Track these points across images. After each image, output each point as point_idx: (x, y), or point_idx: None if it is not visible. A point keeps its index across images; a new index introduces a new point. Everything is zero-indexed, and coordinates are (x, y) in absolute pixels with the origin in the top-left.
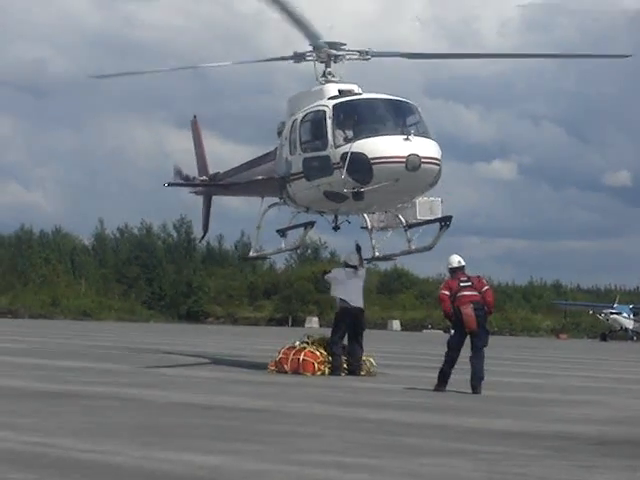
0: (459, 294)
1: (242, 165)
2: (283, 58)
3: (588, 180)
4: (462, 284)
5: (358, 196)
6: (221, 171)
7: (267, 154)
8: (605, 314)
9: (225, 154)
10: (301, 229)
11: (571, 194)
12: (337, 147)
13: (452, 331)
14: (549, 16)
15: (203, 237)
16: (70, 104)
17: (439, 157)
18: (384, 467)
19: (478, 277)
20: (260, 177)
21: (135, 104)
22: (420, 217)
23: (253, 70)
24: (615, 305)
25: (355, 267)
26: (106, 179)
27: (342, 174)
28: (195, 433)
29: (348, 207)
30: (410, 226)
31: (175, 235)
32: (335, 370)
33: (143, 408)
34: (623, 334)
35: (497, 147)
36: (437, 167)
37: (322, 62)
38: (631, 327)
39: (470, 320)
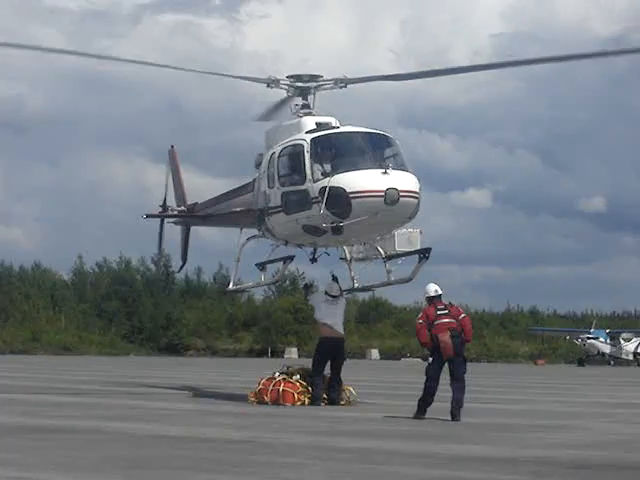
0: (436, 322)
1: (220, 196)
2: (257, 80)
3: (562, 206)
4: (439, 312)
5: (337, 230)
6: (199, 201)
7: (245, 185)
8: (582, 339)
9: (202, 187)
10: (280, 263)
11: (546, 220)
12: (315, 181)
13: (430, 359)
14: (520, 45)
15: (182, 267)
16: (48, 140)
17: (417, 190)
18: None
19: (455, 306)
20: (239, 209)
21: (112, 139)
22: (399, 248)
23: (229, 103)
24: (592, 330)
25: (336, 297)
26: (84, 214)
27: (321, 209)
28: (175, 465)
29: (327, 240)
30: (389, 257)
31: (153, 268)
32: (315, 400)
33: (124, 441)
34: (600, 359)
35: (471, 175)
36: (415, 200)
37: (298, 95)
38: (608, 351)
39: (447, 347)
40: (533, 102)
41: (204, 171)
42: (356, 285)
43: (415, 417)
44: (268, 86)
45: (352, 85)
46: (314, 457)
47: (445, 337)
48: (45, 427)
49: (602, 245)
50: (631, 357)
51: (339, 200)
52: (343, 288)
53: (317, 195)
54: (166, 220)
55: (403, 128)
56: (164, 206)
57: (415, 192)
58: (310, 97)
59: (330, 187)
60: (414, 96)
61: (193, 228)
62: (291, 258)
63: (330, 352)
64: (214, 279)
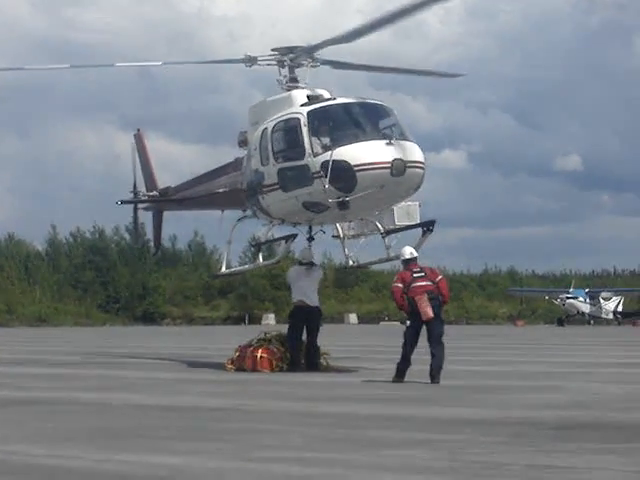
0: (413, 285)
1: (196, 178)
2: (231, 61)
3: (539, 166)
4: (415, 275)
5: (343, 205)
6: (172, 185)
7: (225, 166)
8: (561, 299)
9: (173, 154)
10: (281, 242)
11: (522, 180)
12: (315, 156)
13: (408, 322)
14: (491, 2)
15: (156, 252)
16: (17, 109)
17: (423, 160)
18: (345, 461)
19: (431, 268)
20: (221, 189)
21: (81, 107)
22: (398, 222)
23: (199, 70)
24: (571, 290)
25: (310, 264)
26: (57, 184)
27: (324, 183)
28: (154, 434)
29: (328, 217)
30: (388, 232)
31: (128, 238)
32: (293, 365)
33: (101, 411)
34: (580, 318)
35: (446, 137)
36: (422, 170)
37: (283, 67)
38: (587, 311)
39: (425, 310)
40: (505, 61)
41: (174, 138)
42: (351, 263)
43: (394, 381)
44: (247, 66)
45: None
46: (292, 423)
47: (422, 299)
48: (21, 399)
49: (579, 204)
50: (611, 316)
51: (344, 174)
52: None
53: (319, 170)
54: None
55: (374, 90)
56: (134, 191)
57: (421, 162)
58: (298, 70)
59: (333, 161)
60: (384, 57)
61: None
62: (294, 236)
63: (303, 320)
64: (189, 247)
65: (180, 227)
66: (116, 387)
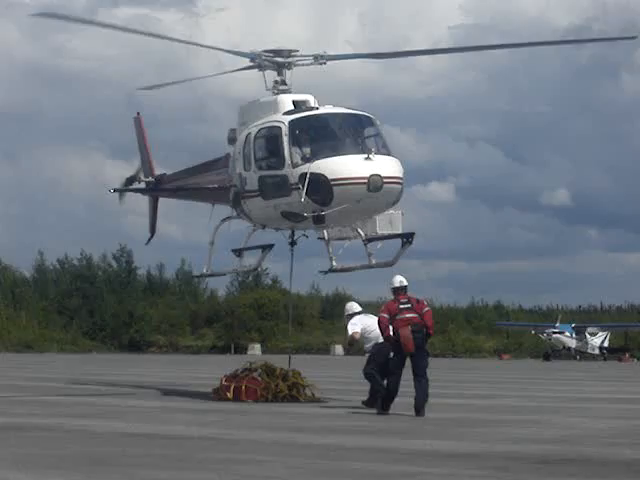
0: (398, 316)
1: (190, 169)
2: (237, 53)
3: (526, 200)
4: (401, 306)
5: (318, 219)
6: (168, 172)
7: (217, 160)
8: (547, 334)
9: None
10: (259, 250)
11: (510, 214)
12: (295, 166)
13: (391, 354)
14: (480, 37)
15: (150, 239)
16: (4, 135)
17: (401, 175)
18: None
19: (418, 299)
20: (212, 185)
21: (69, 134)
22: (380, 231)
23: (187, 99)
24: (557, 324)
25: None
26: (44, 210)
27: (301, 196)
28: (138, 462)
29: (306, 226)
30: (370, 240)
31: (115, 265)
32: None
33: (86, 438)
34: (566, 353)
35: (433, 169)
36: (399, 186)
37: (274, 70)
38: (574, 346)
39: (407, 342)
40: (494, 95)
41: (163, 165)
42: (334, 265)
43: (379, 413)
44: (251, 60)
45: (314, 77)
46: (276, 453)
47: (405, 332)
48: (6, 425)
49: (567, 239)
50: (597, 351)
51: (320, 187)
52: (322, 269)
53: (297, 181)
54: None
55: None
56: (134, 177)
57: (399, 177)
58: (287, 73)
59: (311, 173)
60: (373, 89)
61: (157, 226)
62: (270, 246)
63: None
64: (177, 276)
65: (168, 256)
66: (101, 414)
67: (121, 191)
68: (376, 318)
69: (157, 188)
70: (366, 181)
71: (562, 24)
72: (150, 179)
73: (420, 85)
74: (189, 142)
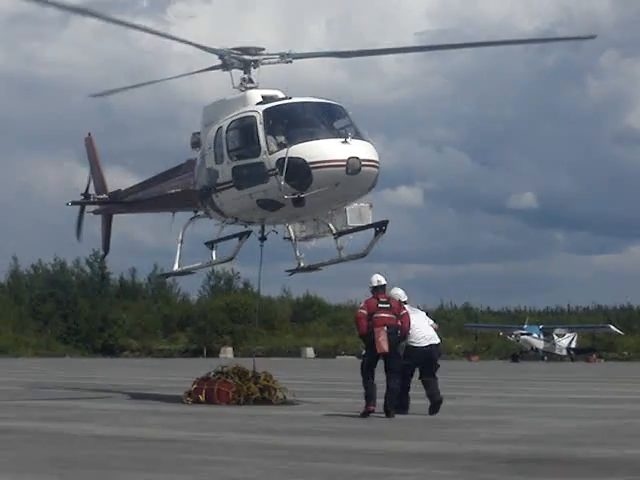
0: (375, 315)
1: (147, 181)
2: (206, 49)
3: (493, 203)
4: (380, 305)
5: (298, 202)
6: (122, 189)
7: (176, 168)
8: (515, 335)
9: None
10: (234, 240)
11: (477, 217)
12: (271, 153)
13: (363, 352)
14: (446, 42)
15: (104, 257)
16: None
17: (378, 159)
18: None
19: (399, 302)
20: (173, 191)
21: (41, 141)
22: (350, 224)
23: (158, 104)
24: (525, 326)
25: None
26: (18, 217)
27: (279, 180)
28: (111, 465)
29: (282, 215)
30: (340, 234)
31: (88, 270)
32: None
33: (59, 441)
34: (534, 354)
35: (401, 174)
36: (376, 170)
37: (240, 68)
38: (541, 347)
39: (381, 343)
40: (460, 100)
41: (134, 172)
42: (302, 265)
43: (363, 415)
44: (223, 70)
45: (282, 83)
46: (249, 455)
47: (380, 332)
48: None
49: (534, 241)
50: (564, 352)
51: (299, 171)
52: (288, 268)
53: (274, 167)
54: (86, 210)
55: None
56: (86, 194)
57: (376, 161)
58: (254, 72)
59: (289, 158)
60: (341, 94)
61: (122, 220)
62: (247, 234)
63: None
64: (149, 280)
65: (140, 260)
66: (74, 417)
67: (78, 204)
68: (422, 313)
69: (114, 201)
70: (345, 163)
71: (528, 29)
72: (104, 196)
73: (387, 90)
74: (161, 148)
